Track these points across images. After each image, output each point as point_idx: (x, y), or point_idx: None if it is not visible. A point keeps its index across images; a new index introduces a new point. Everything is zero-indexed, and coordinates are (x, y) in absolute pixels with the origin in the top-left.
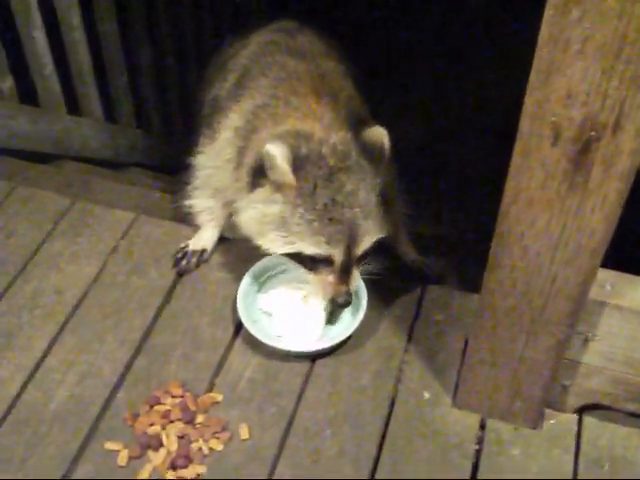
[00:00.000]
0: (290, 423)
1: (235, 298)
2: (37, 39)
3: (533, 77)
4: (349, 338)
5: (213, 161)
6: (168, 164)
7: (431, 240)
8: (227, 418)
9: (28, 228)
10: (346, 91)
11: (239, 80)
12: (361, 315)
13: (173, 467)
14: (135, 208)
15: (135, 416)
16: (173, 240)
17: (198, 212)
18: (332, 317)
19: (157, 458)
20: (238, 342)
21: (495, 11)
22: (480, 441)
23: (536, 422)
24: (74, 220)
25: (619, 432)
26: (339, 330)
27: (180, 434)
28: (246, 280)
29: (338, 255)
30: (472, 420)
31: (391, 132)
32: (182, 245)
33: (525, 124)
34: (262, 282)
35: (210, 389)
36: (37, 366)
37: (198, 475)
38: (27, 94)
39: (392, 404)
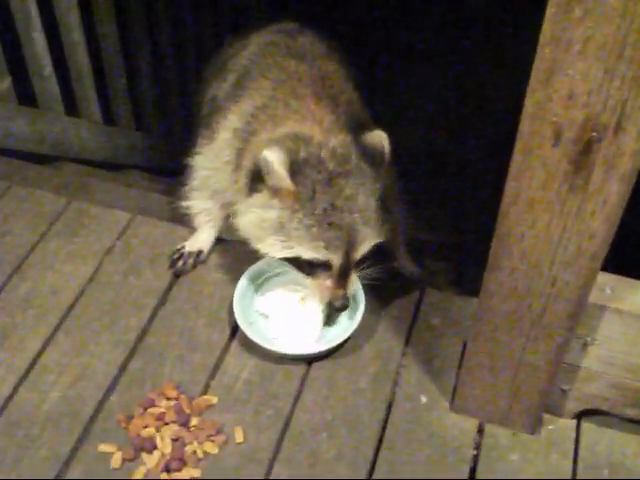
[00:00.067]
0: (286, 426)
1: (232, 300)
2: (36, 40)
3: (534, 77)
4: (346, 341)
5: (211, 162)
6: (167, 167)
7: (430, 245)
8: (222, 421)
9: (24, 228)
10: (346, 94)
11: (238, 81)
12: (358, 318)
13: (167, 470)
14: (132, 209)
15: (129, 418)
16: (170, 241)
17: (195, 213)
18: (329, 320)
19: (151, 461)
20: (234, 344)
21: (495, 11)
22: (478, 446)
23: (534, 427)
24: (70, 220)
25: (618, 438)
26: (336, 333)
27: (174, 437)
28: (243, 282)
29: (336, 260)
30: (470, 425)
31: (391, 135)
32: (179, 246)
33: (526, 124)
34: (259, 284)
35: (205, 391)
36: (30, 367)
37: (192, 478)
38: (26, 95)
39: (389, 408)
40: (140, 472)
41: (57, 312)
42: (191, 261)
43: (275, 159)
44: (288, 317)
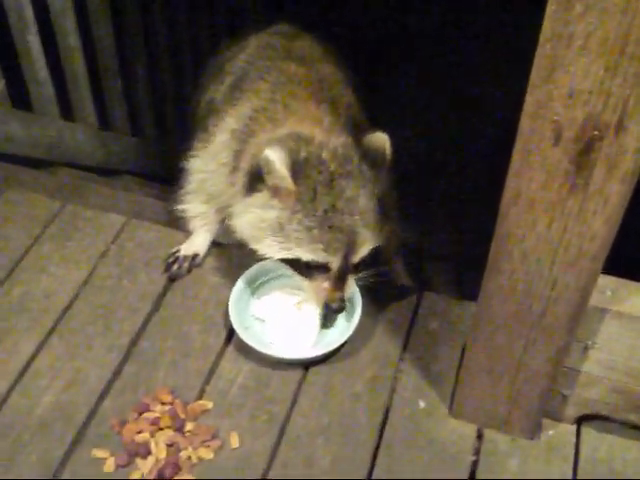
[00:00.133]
0: (282, 431)
1: (227, 304)
2: (31, 43)
3: (534, 75)
4: (343, 345)
5: (208, 165)
6: (162, 172)
7: (428, 250)
8: (217, 426)
9: (17, 231)
10: (346, 97)
11: (236, 83)
12: (355, 322)
13: (161, 476)
14: (127, 212)
15: (123, 423)
16: (165, 245)
17: (191, 217)
18: (326, 323)
19: (145, 466)
20: (230, 349)
21: (495, 11)
22: (477, 452)
23: (534, 433)
24: (64, 223)
25: (618, 444)
26: (333, 337)
27: (169, 442)
28: (239, 286)
29: (335, 263)
30: (469, 430)
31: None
32: (174, 250)
33: (525, 123)
34: (256, 287)
35: (200, 396)
36: (23, 371)
37: None
38: (20, 99)
39: (387, 413)
40: (134, 478)
41: (51, 316)
42: (186, 265)
43: (277, 158)
44: (284, 321)
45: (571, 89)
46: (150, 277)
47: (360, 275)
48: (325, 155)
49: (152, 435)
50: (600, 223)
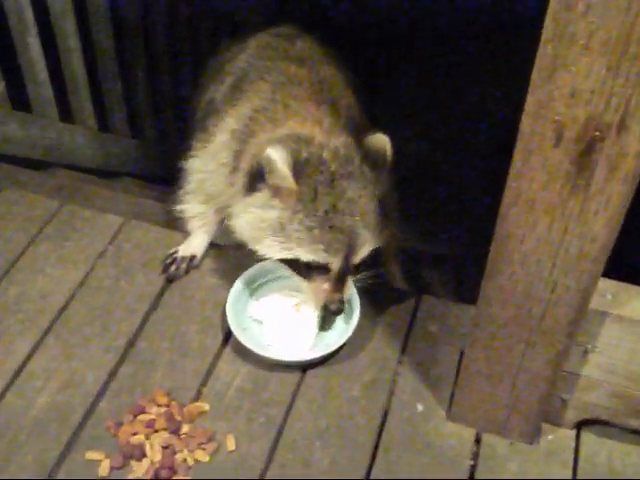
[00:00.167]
0: (279, 434)
1: (225, 305)
2: (31, 45)
3: (535, 74)
4: (341, 348)
5: (207, 165)
6: (162, 174)
7: (427, 255)
8: (214, 428)
9: (14, 231)
10: (346, 99)
11: (236, 83)
12: (354, 325)
13: (156, 478)
14: (125, 213)
15: (118, 425)
16: (162, 245)
17: (189, 217)
18: (325, 325)
19: (140, 469)
20: (227, 350)
21: (495, 11)
22: (475, 456)
23: (533, 437)
24: (62, 223)
25: (618, 449)
26: (331, 339)
27: (165, 444)
28: (237, 287)
29: (335, 264)
30: (467, 434)
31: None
32: (171, 251)
33: (526, 124)
34: (254, 289)
35: (197, 398)
36: (18, 371)
37: None
38: (20, 100)
39: (385, 416)
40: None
41: (47, 316)
42: (184, 266)
43: (279, 157)
44: (283, 323)
45: (573, 89)
46: (147, 278)
47: (358, 276)
48: (326, 155)
49: (147, 437)
50: (601, 224)
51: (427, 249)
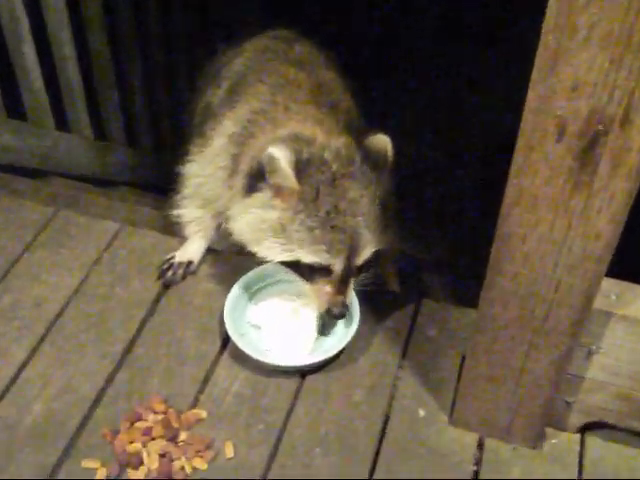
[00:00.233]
0: (278, 441)
1: (222, 311)
2: (26, 54)
3: (536, 68)
4: (341, 353)
5: (204, 169)
6: (158, 183)
7: (426, 260)
8: (212, 435)
9: (9, 238)
10: (345, 102)
11: (234, 87)
12: (353, 329)
13: None
14: (121, 220)
15: (115, 433)
16: (159, 251)
17: (186, 222)
18: (325, 329)
19: (137, 477)
20: (225, 356)
21: (495, 11)
22: (478, 461)
23: (536, 441)
24: (57, 230)
25: (624, 453)
26: (330, 344)
27: (162, 452)
28: (234, 292)
29: (338, 265)
30: (469, 439)
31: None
32: (168, 256)
33: (528, 119)
34: (253, 293)
35: (194, 405)
36: (14, 379)
37: None
38: (14, 108)
39: (386, 422)
40: None
41: (42, 323)
42: (181, 271)
43: (282, 156)
44: (281, 328)
45: (575, 82)
46: (144, 284)
47: (356, 279)
48: (327, 155)
49: (144, 445)
50: (605, 222)
51: (426, 253)
